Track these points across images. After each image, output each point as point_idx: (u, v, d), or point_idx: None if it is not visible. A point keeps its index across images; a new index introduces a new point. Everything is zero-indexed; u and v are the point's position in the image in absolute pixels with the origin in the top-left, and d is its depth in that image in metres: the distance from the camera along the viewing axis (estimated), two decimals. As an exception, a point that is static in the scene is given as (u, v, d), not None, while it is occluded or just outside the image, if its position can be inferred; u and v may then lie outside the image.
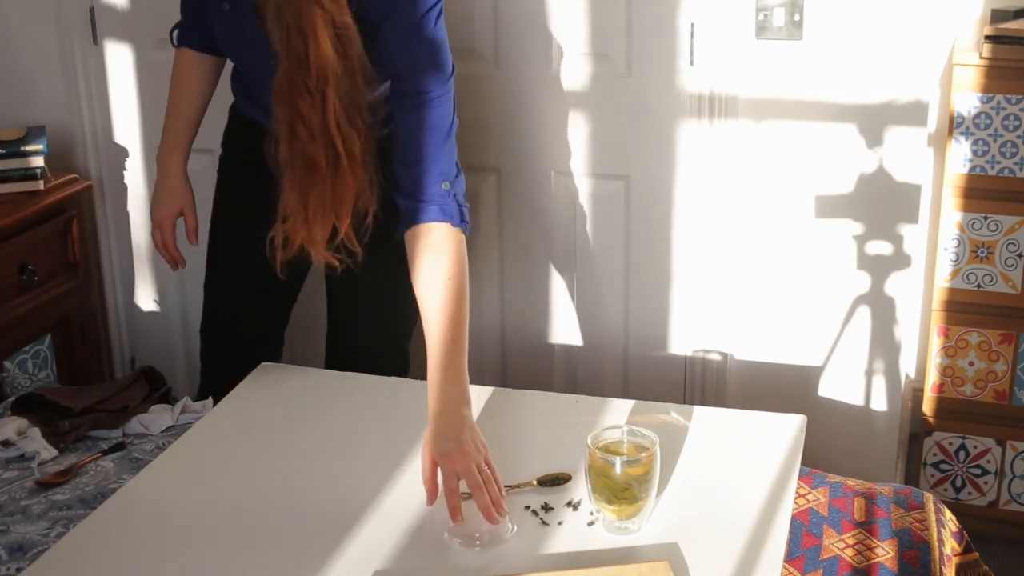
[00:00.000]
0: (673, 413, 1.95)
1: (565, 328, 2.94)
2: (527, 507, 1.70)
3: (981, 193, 2.64)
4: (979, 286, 2.70)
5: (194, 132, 2.39)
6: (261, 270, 2.30)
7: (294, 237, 1.93)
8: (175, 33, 2.36)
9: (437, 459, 1.73)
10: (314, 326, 3.08)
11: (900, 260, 2.65)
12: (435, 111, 1.95)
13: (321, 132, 1.85)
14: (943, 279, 2.72)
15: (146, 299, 3.20)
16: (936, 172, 2.88)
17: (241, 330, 2.48)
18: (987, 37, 2.56)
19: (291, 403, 2.05)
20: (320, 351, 3.03)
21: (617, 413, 1.95)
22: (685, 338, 2.85)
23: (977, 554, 2.04)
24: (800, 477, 1.91)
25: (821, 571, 1.86)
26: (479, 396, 2.03)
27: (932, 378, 2.80)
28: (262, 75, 1.97)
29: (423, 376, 1.88)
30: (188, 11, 2.32)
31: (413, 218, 1.94)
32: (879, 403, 2.76)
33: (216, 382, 2.39)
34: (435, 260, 1.90)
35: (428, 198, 1.93)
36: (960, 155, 2.63)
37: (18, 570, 1.69)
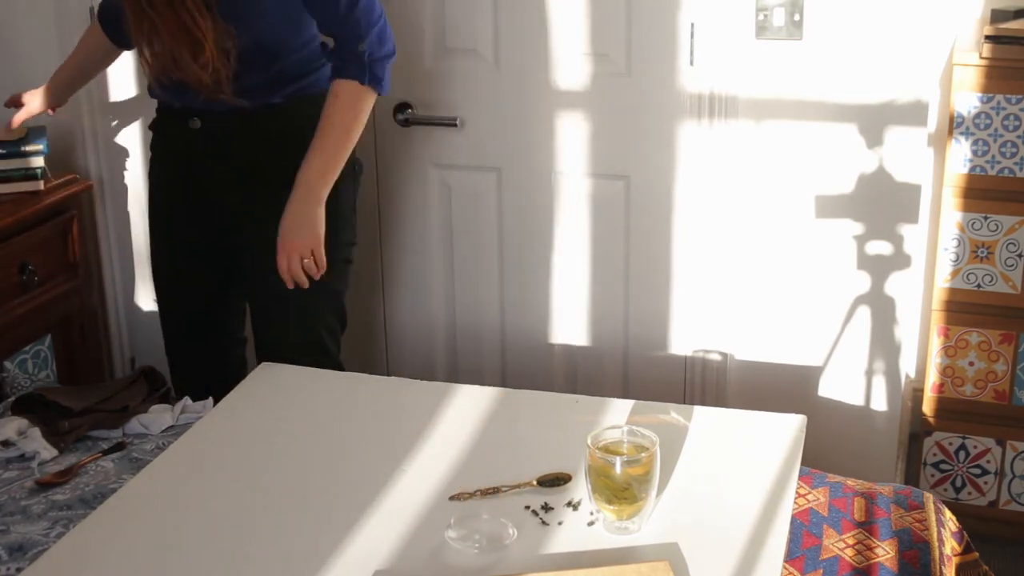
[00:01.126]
0: (673, 413, 1.95)
1: (565, 328, 2.94)
2: (527, 507, 1.70)
3: (981, 193, 2.64)
4: (979, 286, 2.70)
5: (80, 77, 2.71)
6: (199, 283, 2.52)
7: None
8: (96, 10, 2.56)
9: (280, 235, 2.25)
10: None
11: (900, 260, 2.65)
12: None
13: None
14: (943, 279, 2.72)
15: (146, 299, 3.21)
16: (936, 172, 2.88)
17: (194, 342, 2.60)
18: (987, 37, 2.56)
19: (291, 403, 2.05)
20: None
21: (617, 413, 1.95)
22: (685, 338, 2.85)
23: (977, 554, 2.04)
24: (800, 477, 1.91)
25: (821, 571, 1.86)
26: (479, 396, 2.03)
27: (932, 378, 2.80)
28: None
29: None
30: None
31: (332, 75, 2.27)
32: (879, 403, 2.76)
33: (189, 390, 2.48)
34: (328, 100, 2.26)
35: (341, 58, 2.26)
36: (960, 155, 2.63)
37: (18, 570, 1.69)
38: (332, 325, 2.49)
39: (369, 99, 2.27)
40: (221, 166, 2.37)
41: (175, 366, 2.62)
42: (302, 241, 2.25)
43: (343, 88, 2.25)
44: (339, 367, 2.49)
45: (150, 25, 2.17)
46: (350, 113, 2.26)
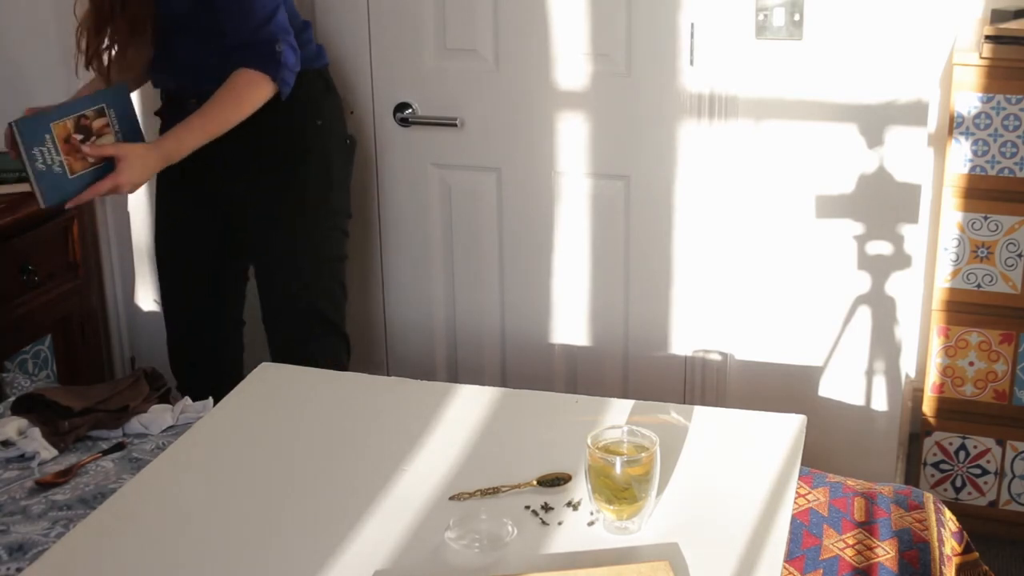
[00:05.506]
0: (673, 413, 1.95)
1: (565, 328, 2.94)
2: (527, 507, 1.70)
3: (981, 193, 2.64)
4: (979, 286, 2.70)
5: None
6: (204, 265, 2.62)
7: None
8: None
9: (120, 162, 2.22)
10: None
11: (900, 260, 2.65)
12: None
13: None
14: (943, 279, 2.72)
15: (146, 299, 3.21)
16: (936, 172, 2.88)
17: (198, 328, 2.70)
18: (987, 37, 2.56)
19: (291, 403, 2.05)
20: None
21: (617, 413, 1.95)
22: (685, 338, 2.85)
23: (977, 554, 2.04)
24: (800, 477, 1.91)
25: (821, 571, 1.86)
26: (479, 396, 2.03)
27: (932, 378, 2.80)
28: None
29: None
30: None
31: (239, 64, 2.28)
32: (879, 403, 2.76)
33: (193, 376, 2.62)
34: (228, 84, 2.28)
35: (254, 53, 2.27)
36: (960, 155, 2.63)
37: (18, 570, 1.69)
38: (333, 293, 2.61)
39: (265, 97, 2.31)
40: (220, 144, 2.39)
41: (178, 355, 2.72)
42: (130, 184, 2.26)
43: (248, 77, 2.28)
44: (344, 337, 2.63)
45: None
46: (244, 104, 2.30)
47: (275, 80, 2.30)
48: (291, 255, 2.54)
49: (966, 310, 2.73)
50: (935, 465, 2.86)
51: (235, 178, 2.50)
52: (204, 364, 2.69)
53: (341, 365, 2.64)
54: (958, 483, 2.85)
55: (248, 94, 2.29)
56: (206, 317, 2.69)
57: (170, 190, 2.60)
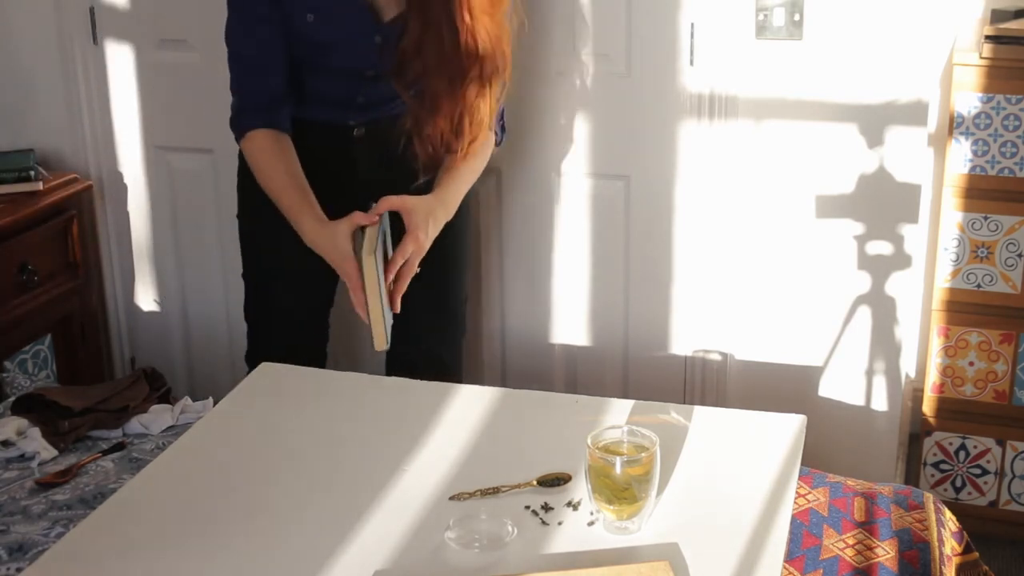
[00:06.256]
0: (673, 413, 1.95)
1: (565, 328, 2.94)
2: (527, 507, 1.70)
3: (981, 193, 2.64)
4: (979, 286, 2.70)
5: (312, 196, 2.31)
6: (325, 282, 2.48)
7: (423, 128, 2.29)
8: (240, 120, 2.30)
9: (422, 235, 2.16)
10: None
11: (900, 260, 2.65)
12: None
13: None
14: (943, 279, 2.72)
15: (146, 299, 3.21)
16: (936, 172, 2.88)
17: (295, 337, 2.58)
18: (987, 37, 2.56)
19: (291, 403, 2.05)
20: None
21: (617, 413, 1.95)
22: (685, 338, 2.85)
23: (977, 554, 2.04)
24: (800, 477, 1.91)
25: (821, 571, 1.86)
26: (479, 396, 2.03)
27: (932, 378, 2.80)
28: (360, 35, 2.25)
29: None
30: (255, 86, 2.29)
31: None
32: (879, 403, 2.76)
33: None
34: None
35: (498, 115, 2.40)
36: (960, 155, 2.63)
37: (18, 570, 1.69)
38: (465, 300, 2.65)
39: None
40: (381, 168, 2.38)
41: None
42: (428, 239, 2.21)
43: (491, 141, 2.43)
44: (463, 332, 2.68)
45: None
46: (484, 162, 2.43)
47: (499, 143, 2.47)
48: (461, 267, 2.58)
49: (966, 310, 2.73)
50: (935, 465, 2.86)
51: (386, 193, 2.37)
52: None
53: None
54: (958, 483, 2.85)
55: (485, 153, 2.42)
56: (311, 331, 2.63)
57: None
